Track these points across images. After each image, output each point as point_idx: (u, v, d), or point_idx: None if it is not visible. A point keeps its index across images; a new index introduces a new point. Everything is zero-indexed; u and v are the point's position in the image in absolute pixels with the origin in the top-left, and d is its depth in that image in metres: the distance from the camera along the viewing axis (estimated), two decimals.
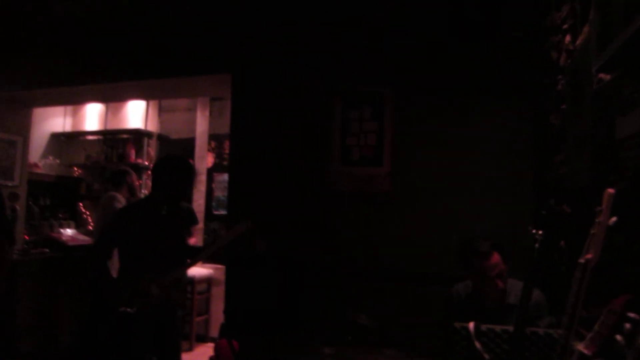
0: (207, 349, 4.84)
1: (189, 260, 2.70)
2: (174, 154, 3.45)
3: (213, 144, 5.94)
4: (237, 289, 3.37)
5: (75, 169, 6.33)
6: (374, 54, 3.27)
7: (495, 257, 2.11)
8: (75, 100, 5.50)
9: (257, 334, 2.74)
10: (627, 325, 0.94)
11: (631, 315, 0.94)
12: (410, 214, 3.11)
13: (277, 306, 3.08)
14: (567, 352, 1.14)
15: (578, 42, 1.96)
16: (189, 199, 3.21)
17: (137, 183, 4.58)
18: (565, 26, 2.18)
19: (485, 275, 2.10)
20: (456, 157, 3.05)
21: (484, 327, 1.46)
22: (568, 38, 2.13)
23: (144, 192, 5.76)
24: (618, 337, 0.95)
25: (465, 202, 2.99)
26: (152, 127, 6.17)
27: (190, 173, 2.82)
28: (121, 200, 4.20)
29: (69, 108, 6.41)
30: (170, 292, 2.57)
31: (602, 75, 1.63)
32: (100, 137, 6.30)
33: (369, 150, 3.23)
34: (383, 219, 3.17)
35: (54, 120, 6.30)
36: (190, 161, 3.24)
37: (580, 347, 1.01)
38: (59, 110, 6.28)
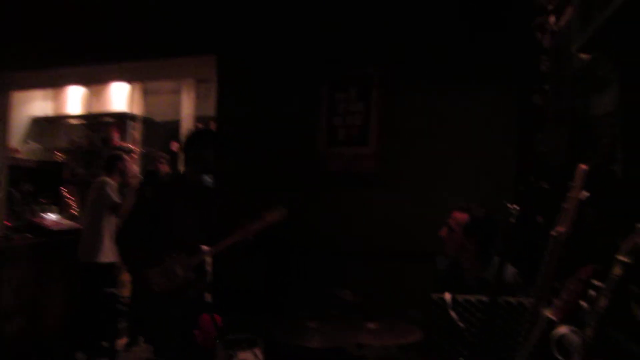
0: None
1: (213, 247, 2.60)
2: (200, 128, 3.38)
3: (199, 126, 5.90)
4: (223, 268, 3.39)
5: (58, 153, 6.25)
6: (361, 35, 3.27)
7: (458, 215, 2.24)
8: (56, 83, 5.41)
9: (244, 311, 2.77)
10: (592, 293, 0.99)
11: (596, 283, 0.99)
12: (395, 193, 3.15)
13: (263, 285, 3.12)
14: (536, 318, 1.19)
15: (561, 23, 1.98)
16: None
17: (129, 167, 4.56)
18: (550, 7, 2.20)
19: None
20: (441, 136, 3.09)
21: (460, 297, 1.51)
22: (552, 19, 2.15)
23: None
24: (583, 303, 1.00)
25: (450, 182, 3.04)
26: (137, 110, 6.09)
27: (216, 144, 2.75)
28: (114, 187, 4.21)
29: (50, 91, 6.29)
30: (194, 275, 2.51)
31: (582, 55, 1.66)
32: (83, 121, 6.20)
33: (355, 130, 3.26)
34: (369, 198, 3.21)
35: (35, 104, 6.18)
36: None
37: (548, 313, 1.06)
38: (39, 93, 6.16)
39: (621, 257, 0.85)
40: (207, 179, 2.85)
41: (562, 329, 1.02)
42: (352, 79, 3.29)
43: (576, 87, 1.73)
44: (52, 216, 4.70)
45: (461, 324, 1.48)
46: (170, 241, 2.53)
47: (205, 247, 2.58)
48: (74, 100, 6.26)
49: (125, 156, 4.55)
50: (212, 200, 2.76)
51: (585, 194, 1.26)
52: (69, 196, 5.67)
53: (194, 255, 2.50)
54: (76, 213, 5.52)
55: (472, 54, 3.01)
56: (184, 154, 2.74)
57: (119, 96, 6.04)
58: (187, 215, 2.61)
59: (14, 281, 3.84)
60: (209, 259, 2.63)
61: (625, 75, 1.27)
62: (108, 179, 4.24)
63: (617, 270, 0.85)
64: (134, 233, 2.62)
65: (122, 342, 3.87)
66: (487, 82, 2.99)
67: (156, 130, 6.16)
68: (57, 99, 6.35)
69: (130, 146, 5.73)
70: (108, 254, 3.99)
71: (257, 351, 1.20)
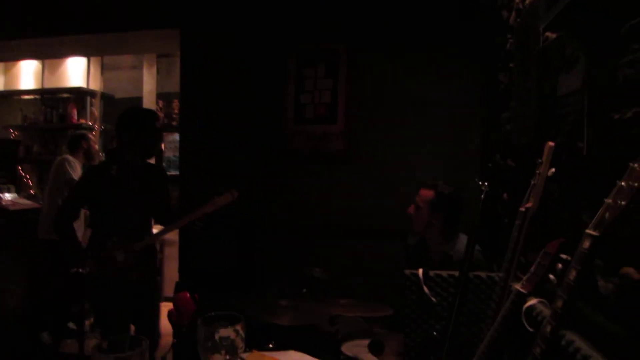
0: (162, 308, 4.83)
1: (158, 232, 2.59)
2: (137, 107, 3.21)
3: (161, 103, 5.75)
4: (191, 248, 3.36)
5: (12, 130, 5.96)
6: (330, 9, 3.23)
7: (425, 192, 2.28)
8: (6, 56, 5.11)
9: (214, 290, 2.76)
10: (559, 266, 1.03)
11: (563, 256, 1.03)
12: (364, 171, 3.18)
13: (232, 263, 3.11)
14: (505, 292, 1.23)
15: (527, 1, 2.01)
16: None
17: (95, 147, 4.46)
18: None
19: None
20: (409, 115, 3.12)
21: (432, 273, 1.55)
22: None
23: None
24: (551, 276, 1.04)
25: (417, 160, 3.09)
26: (95, 85, 5.86)
27: (157, 125, 2.60)
28: (74, 164, 4.12)
29: (0, 65, 5.96)
30: (140, 258, 2.45)
31: (548, 33, 1.69)
32: (37, 96, 5.92)
33: (323, 108, 3.24)
34: (338, 176, 3.22)
35: None
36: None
37: (518, 286, 1.09)
38: None
39: (590, 231, 0.88)
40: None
41: (532, 301, 1.06)
42: (320, 54, 3.26)
43: (542, 66, 1.76)
44: (8, 196, 4.51)
45: (433, 299, 1.52)
46: (114, 225, 2.46)
47: (151, 232, 2.54)
48: (27, 74, 5.96)
49: (90, 135, 4.44)
50: (158, 183, 2.69)
51: (552, 170, 1.30)
52: (25, 175, 5.45)
53: (137, 240, 2.44)
54: (33, 192, 5.31)
55: (439, 31, 3.03)
56: (118, 136, 2.56)
57: (76, 71, 5.80)
58: (131, 199, 2.51)
59: None
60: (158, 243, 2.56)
61: (591, 54, 1.31)
62: (70, 157, 4.16)
63: (585, 244, 0.88)
64: (69, 211, 2.54)
65: (88, 322, 3.81)
66: (457, 61, 3.03)
67: (116, 107, 5.95)
68: (9, 73, 6.03)
69: (90, 124, 5.54)
70: None
71: (239, 327, 1.20)
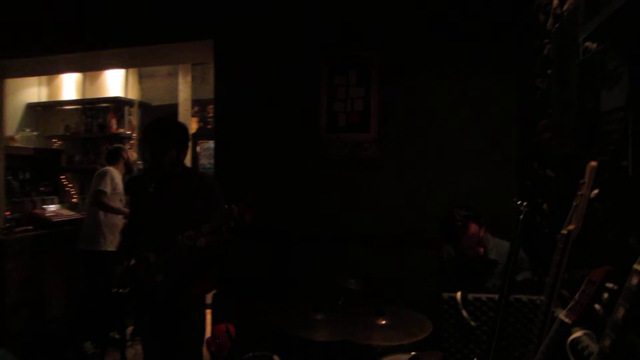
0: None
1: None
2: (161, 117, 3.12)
3: (196, 108, 5.87)
4: (227, 258, 3.41)
5: (55, 140, 6.19)
6: (360, 16, 3.22)
7: (473, 227, 2.19)
8: (51, 70, 5.31)
9: (250, 301, 2.79)
10: (605, 295, 0.99)
11: (609, 285, 0.99)
12: (397, 179, 3.15)
13: (267, 274, 3.14)
14: (548, 318, 1.20)
15: (566, 6, 1.95)
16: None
17: (132, 158, 4.56)
18: None
19: (465, 245, 2.17)
20: (443, 121, 3.07)
21: (470, 296, 1.53)
22: (556, 1, 2.11)
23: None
24: (597, 306, 1.01)
25: (452, 167, 3.04)
26: (133, 94, 6.03)
27: (176, 134, 2.43)
28: (114, 176, 4.16)
29: (44, 77, 6.19)
30: (166, 277, 2.30)
31: (588, 43, 1.63)
32: (78, 106, 6.13)
33: (356, 116, 3.23)
34: (371, 184, 3.21)
35: (28, 91, 6.09)
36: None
37: (562, 315, 1.06)
38: (32, 79, 6.07)
39: (637, 267, 0.85)
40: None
41: (577, 333, 1.03)
42: (351, 61, 3.25)
43: (583, 78, 1.70)
44: (52, 207, 4.70)
45: (472, 323, 1.49)
46: (152, 239, 2.36)
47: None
48: (69, 85, 6.18)
49: (126, 146, 4.52)
50: (191, 191, 2.46)
51: (595, 192, 1.26)
52: (68, 184, 5.65)
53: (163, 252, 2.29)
54: (76, 201, 5.50)
55: (476, 37, 2.97)
56: (165, 150, 2.39)
57: (115, 81, 5.96)
58: (167, 216, 2.38)
59: (18, 274, 3.85)
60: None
61: (635, 71, 1.25)
62: (110, 169, 4.22)
63: (634, 280, 0.85)
64: (132, 227, 2.58)
65: (129, 330, 3.91)
66: (491, 66, 2.97)
67: (153, 114, 6.10)
68: (52, 85, 6.26)
69: (129, 132, 5.70)
70: (107, 242, 4.01)
71: None
